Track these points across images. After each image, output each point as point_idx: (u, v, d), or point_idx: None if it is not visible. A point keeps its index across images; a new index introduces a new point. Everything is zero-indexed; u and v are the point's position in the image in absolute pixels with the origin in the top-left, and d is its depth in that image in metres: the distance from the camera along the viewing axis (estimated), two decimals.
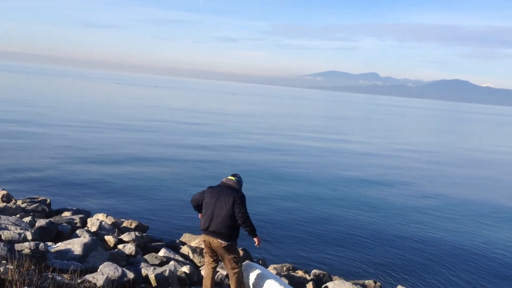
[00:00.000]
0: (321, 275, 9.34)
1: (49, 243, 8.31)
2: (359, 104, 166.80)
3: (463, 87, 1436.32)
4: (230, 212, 6.47)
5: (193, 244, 10.37)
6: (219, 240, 6.57)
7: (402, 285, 9.21)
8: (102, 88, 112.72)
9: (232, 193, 6.57)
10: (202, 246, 10.23)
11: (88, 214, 11.48)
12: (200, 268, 9.00)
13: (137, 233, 9.91)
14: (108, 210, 12.66)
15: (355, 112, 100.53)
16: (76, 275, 6.45)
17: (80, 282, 6.24)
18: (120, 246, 9.20)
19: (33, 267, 6.29)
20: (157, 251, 9.43)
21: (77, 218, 10.56)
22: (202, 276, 8.58)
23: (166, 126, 38.21)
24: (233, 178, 6.89)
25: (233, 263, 6.75)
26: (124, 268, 7.37)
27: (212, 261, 6.96)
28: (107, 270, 7.05)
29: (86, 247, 7.91)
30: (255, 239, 6.75)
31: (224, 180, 6.88)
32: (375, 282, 9.43)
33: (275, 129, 44.15)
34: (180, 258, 9.17)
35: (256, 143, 32.35)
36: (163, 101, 78.48)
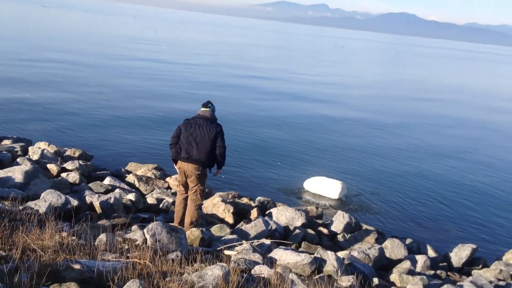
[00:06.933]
0: (265, 201, 9.61)
1: None
2: (311, 37, 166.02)
3: (410, 20, 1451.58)
4: (212, 143, 7.01)
5: (139, 172, 10.36)
6: (198, 166, 7.03)
7: (342, 210, 9.62)
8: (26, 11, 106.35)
9: (213, 125, 7.07)
10: (148, 174, 10.27)
11: (29, 142, 11.16)
12: (146, 196, 9.07)
13: (81, 162, 9.79)
14: (50, 138, 12.29)
15: (307, 45, 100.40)
16: (17, 202, 6.34)
17: (22, 209, 6.16)
18: (63, 175, 9.08)
19: None
20: (102, 179, 9.38)
21: (17, 146, 10.28)
22: (147, 204, 8.68)
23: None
24: (207, 109, 7.22)
25: (198, 195, 7.21)
26: (67, 196, 7.31)
27: (184, 191, 7.33)
28: (50, 197, 6.98)
29: (28, 174, 7.76)
30: (219, 170, 7.41)
31: (200, 112, 7.23)
32: (316, 208, 9.83)
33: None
34: (126, 187, 9.18)
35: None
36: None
